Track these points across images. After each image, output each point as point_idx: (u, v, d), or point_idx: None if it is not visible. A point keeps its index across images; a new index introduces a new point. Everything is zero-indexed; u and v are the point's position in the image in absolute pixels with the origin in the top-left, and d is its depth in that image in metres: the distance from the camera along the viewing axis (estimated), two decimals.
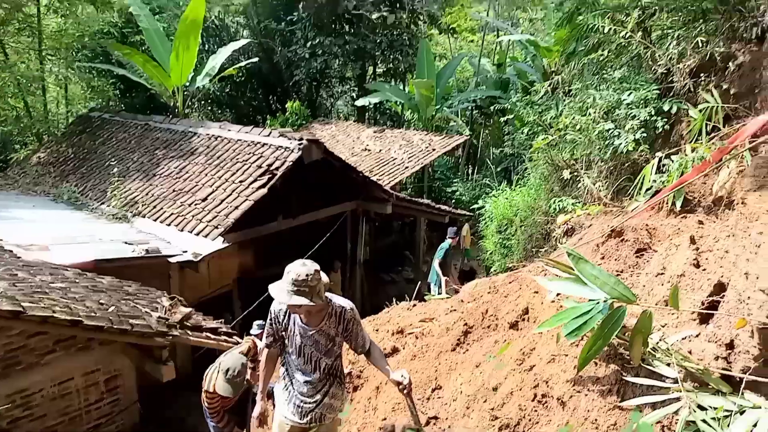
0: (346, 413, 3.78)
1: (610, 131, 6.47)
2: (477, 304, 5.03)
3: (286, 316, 3.39)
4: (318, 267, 3.16)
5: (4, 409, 5.62)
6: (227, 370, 4.31)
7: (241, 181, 9.49)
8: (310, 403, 3.42)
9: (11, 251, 7.21)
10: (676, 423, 2.59)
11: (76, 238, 8.51)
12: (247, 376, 4.80)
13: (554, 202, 7.81)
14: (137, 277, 7.61)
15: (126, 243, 8.30)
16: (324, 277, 3.29)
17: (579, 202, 7.42)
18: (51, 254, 7.43)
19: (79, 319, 5.33)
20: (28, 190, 11.95)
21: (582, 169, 7.48)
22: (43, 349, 5.82)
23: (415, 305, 6.29)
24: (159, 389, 7.15)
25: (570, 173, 7.66)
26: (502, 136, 17.26)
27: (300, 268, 3.09)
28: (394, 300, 6.71)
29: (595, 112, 6.80)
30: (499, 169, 17.62)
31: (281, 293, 3.11)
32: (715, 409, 2.50)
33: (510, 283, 5.13)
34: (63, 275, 6.68)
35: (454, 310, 5.42)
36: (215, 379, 4.46)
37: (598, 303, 2.87)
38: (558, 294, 4.10)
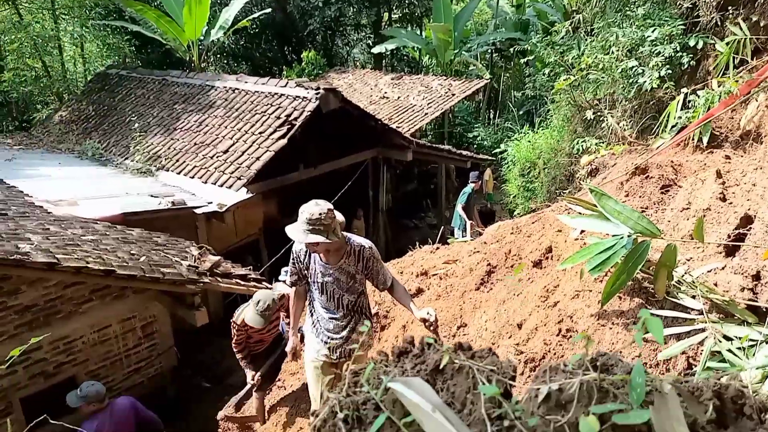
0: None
1: (633, 69, 6.31)
2: (500, 245, 5.07)
3: (307, 256, 3.49)
4: (331, 206, 3.23)
5: (49, 354, 5.92)
6: (258, 302, 4.44)
7: (260, 133, 9.52)
8: (337, 338, 3.54)
9: (42, 207, 7.40)
10: (700, 354, 2.64)
11: (104, 192, 8.68)
12: (280, 318, 4.94)
13: (578, 143, 7.72)
14: (165, 229, 7.79)
15: (152, 196, 8.46)
16: (339, 216, 3.36)
17: (603, 142, 7.33)
18: (80, 209, 7.61)
19: (112, 268, 5.51)
20: (52, 148, 12.13)
21: (605, 108, 7.35)
22: (80, 299, 6.05)
23: (438, 248, 6.36)
24: (193, 334, 7.43)
25: (593, 113, 7.54)
26: (523, 78, 16.92)
27: (313, 207, 3.17)
28: (417, 244, 6.78)
29: (618, 50, 6.62)
30: (521, 113, 17.34)
31: (297, 233, 3.20)
32: (740, 338, 2.53)
33: (533, 223, 5.15)
34: (93, 228, 6.86)
35: (477, 251, 5.48)
36: (245, 311, 4.60)
37: (621, 238, 2.88)
38: (581, 232, 4.11)
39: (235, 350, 4.86)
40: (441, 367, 0.94)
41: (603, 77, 7.10)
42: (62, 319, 5.95)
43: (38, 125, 14.01)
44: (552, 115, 10.41)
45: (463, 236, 9.21)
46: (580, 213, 3.50)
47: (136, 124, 10.94)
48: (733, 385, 0.92)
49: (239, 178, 8.82)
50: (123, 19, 16.60)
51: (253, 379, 4.88)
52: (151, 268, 5.88)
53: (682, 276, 2.99)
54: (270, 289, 5.63)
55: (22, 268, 5.08)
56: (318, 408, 3.12)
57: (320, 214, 3.13)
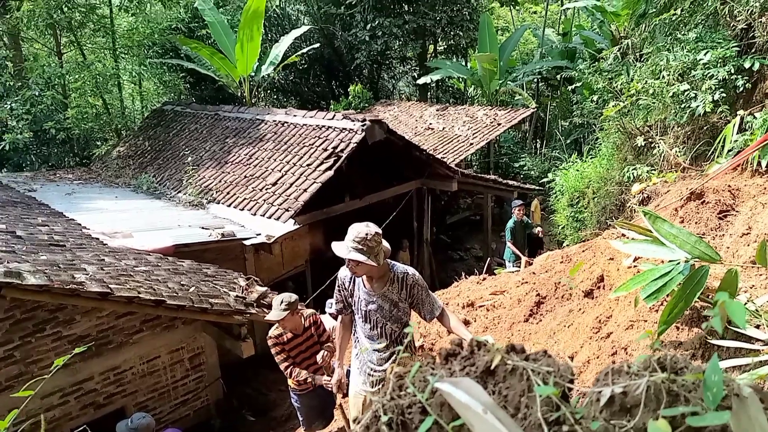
0: None
1: (685, 93, 6.13)
2: (550, 275, 4.93)
3: (352, 282, 3.48)
4: (380, 230, 3.23)
5: (100, 385, 6.04)
6: (281, 301, 4.46)
7: (308, 165, 9.67)
8: (380, 371, 3.47)
9: (98, 239, 7.67)
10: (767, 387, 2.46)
11: (157, 224, 8.95)
12: (317, 325, 4.87)
13: (628, 171, 7.52)
14: (214, 261, 7.94)
15: (203, 228, 8.66)
16: (385, 244, 3.34)
17: (654, 170, 7.12)
18: (134, 241, 7.85)
19: (163, 299, 5.62)
20: (110, 182, 12.66)
21: (657, 135, 7.15)
22: (131, 329, 6.19)
23: (485, 279, 6.24)
24: (240, 366, 7.47)
25: (644, 140, 7.34)
26: (570, 106, 16.71)
27: (362, 227, 3.21)
28: (463, 275, 6.68)
29: (668, 75, 6.46)
30: (568, 141, 17.08)
31: (342, 248, 3.24)
32: None
33: (583, 251, 5.00)
34: (146, 259, 7.05)
35: (526, 282, 5.35)
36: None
37: (678, 263, 2.73)
38: (635, 260, 3.95)
39: (281, 367, 4.76)
40: (492, 368, 0.88)
41: (653, 103, 6.93)
42: (113, 349, 6.09)
43: (97, 160, 14.67)
44: (601, 143, 10.21)
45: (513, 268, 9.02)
46: (633, 239, 3.37)
47: (189, 158, 11.30)
48: None
49: (287, 210, 8.95)
50: (179, 57, 17.35)
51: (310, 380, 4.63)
52: (199, 298, 5.97)
53: (745, 304, 2.81)
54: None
55: (77, 297, 5.24)
56: None
57: (366, 234, 3.16)
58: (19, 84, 14.55)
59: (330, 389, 4.38)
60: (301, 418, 5.05)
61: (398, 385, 0.89)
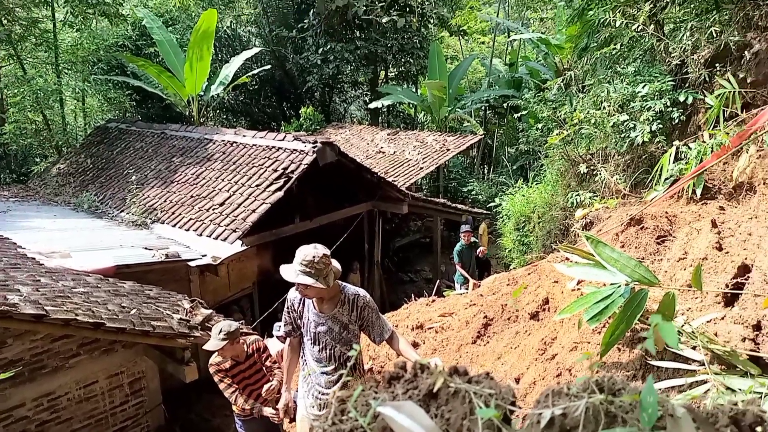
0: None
1: (625, 123, 6.43)
2: (496, 297, 5.01)
3: (301, 304, 3.45)
4: (328, 252, 3.22)
5: (32, 412, 5.71)
6: (219, 330, 4.36)
7: (257, 185, 9.56)
8: (327, 394, 3.42)
9: (34, 258, 7.32)
10: (704, 407, 2.56)
11: (97, 244, 8.62)
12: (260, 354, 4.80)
13: (572, 197, 7.76)
14: (158, 282, 7.70)
15: (146, 248, 8.39)
16: (335, 264, 3.33)
17: (597, 196, 7.37)
18: (73, 261, 7.54)
19: (102, 321, 5.39)
20: (49, 200, 12.15)
21: (599, 162, 7.44)
22: (67, 353, 5.90)
23: (434, 301, 6.29)
24: (183, 391, 7.22)
25: (586, 167, 7.62)
26: (517, 134, 17.22)
27: (310, 249, 3.19)
28: (413, 297, 6.71)
29: (609, 106, 6.77)
30: (515, 167, 17.57)
31: (290, 272, 3.21)
32: (744, 391, 2.46)
33: (529, 274, 5.11)
34: (85, 281, 6.77)
35: (474, 304, 5.42)
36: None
37: (619, 286, 2.83)
38: (578, 282, 4.07)
39: (225, 394, 4.63)
40: (435, 390, 0.88)
41: (595, 132, 7.22)
42: (48, 374, 5.78)
43: (36, 177, 14.07)
44: (546, 170, 10.50)
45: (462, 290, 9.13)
46: (576, 262, 3.47)
47: (134, 177, 10.99)
48: (751, 411, 0.87)
49: (234, 231, 8.79)
50: (125, 74, 16.96)
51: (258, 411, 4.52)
52: (141, 321, 5.76)
53: (682, 326, 2.93)
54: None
55: (8, 319, 4.97)
56: None
57: (314, 257, 3.13)
58: None
59: (275, 420, 4.30)
60: None
61: (340, 409, 0.88)
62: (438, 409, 0.86)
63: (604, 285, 3.04)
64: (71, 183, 12.60)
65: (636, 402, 0.84)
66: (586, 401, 0.83)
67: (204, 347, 4.49)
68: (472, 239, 10.02)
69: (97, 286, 6.65)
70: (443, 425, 0.85)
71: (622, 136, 6.54)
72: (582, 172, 7.79)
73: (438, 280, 10.49)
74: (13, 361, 5.48)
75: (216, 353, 4.55)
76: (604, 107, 6.84)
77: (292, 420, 4.03)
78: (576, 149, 7.97)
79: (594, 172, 7.58)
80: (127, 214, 10.42)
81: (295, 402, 3.84)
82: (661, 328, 2.31)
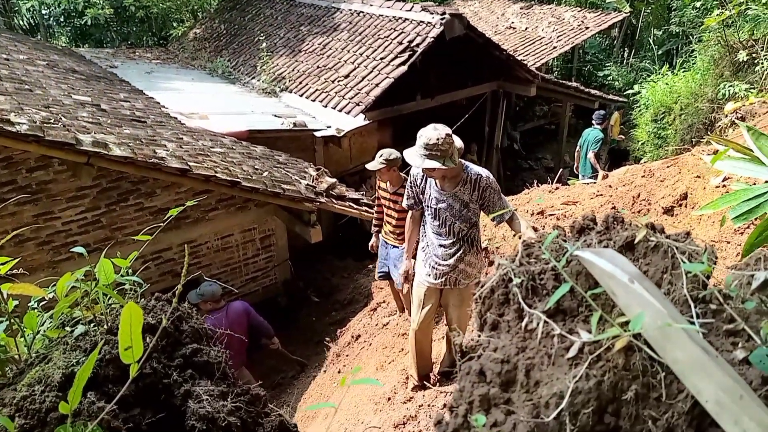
0: None
1: None
2: (628, 189, 4.74)
3: (423, 180, 3.46)
4: (449, 131, 3.15)
5: (177, 255, 6.45)
6: (381, 155, 4.61)
7: (381, 58, 9.41)
8: (443, 265, 3.51)
9: (176, 118, 7.88)
10: None
11: (231, 109, 9.08)
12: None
13: (723, 88, 6.97)
14: (285, 149, 8.06)
15: (275, 116, 8.73)
16: (457, 142, 3.27)
17: (754, 89, 6.57)
18: (210, 123, 8.03)
19: (238, 180, 5.80)
20: (186, 64, 12.80)
21: (762, 50, 6.52)
22: (207, 206, 6.48)
23: (557, 188, 6.08)
24: (306, 251, 7.77)
25: (747, 55, 6.73)
26: (667, 13, 15.36)
27: (431, 132, 3.11)
28: (535, 183, 6.53)
29: None
30: (660, 52, 15.87)
31: (414, 157, 3.18)
32: None
33: (668, 167, 4.74)
34: (221, 142, 7.22)
35: (601, 194, 5.17)
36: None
37: None
38: (724, 180, 3.73)
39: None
40: (636, 242, 0.84)
41: (764, 14, 6.25)
42: (191, 224, 6.42)
43: (174, 41, 14.79)
44: (696, 56, 9.43)
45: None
46: (729, 156, 3.14)
47: (264, 44, 11.20)
48: None
49: (358, 104, 8.85)
50: None
51: None
52: (272, 183, 6.13)
53: None
54: None
55: (158, 171, 5.48)
56: (416, 325, 3.09)
57: (438, 139, 3.08)
58: None
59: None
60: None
61: (527, 252, 0.86)
62: (635, 262, 0.82)
63: (755, 183, 2.75)
64: (206, 48, 13.13)
65: None
66: None
67: (366, 165, 4.82)
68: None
69: (232, 148, 7.09)
70: None
71: None
72: (740, 61, 6.93)
73: (560, 170, 10.07)
74: (161, 209, 6.11)
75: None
76: None
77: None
78: (736, 34, 7.03)
79: (755, 61, 6.70)
80: (258, 81, 10.77)
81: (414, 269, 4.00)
82: None
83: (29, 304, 1.54)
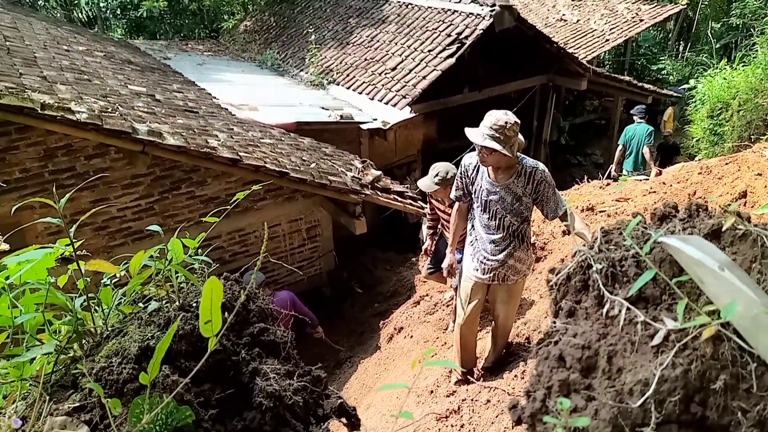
0: None
1: None
2: (683, 186, 4.60)
3: (475, 171, 3.40)
4: (519, 121, 3.10)
5: (226, 243, 6.59)
6: (436, 174, 4.48)
7: (429, 51, 9.37)
8: (492, 260, 3.43)
9: (226, 109, 8.03)
10: None
11: (280, 101, 9.21)
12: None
13: None
14: (331, 141, 8.12)
15: (323, 108, 8.80)
16: (520, 137, 3.21)
17: None
18: (259, 114, 8.16)
19: (287, 171, 5.88)
20: (237, 56, 13.03)
21: None
22: (255, 196, 6.59)
23: (608, 184, 5.95)
24: (351, 243, 7.83)
25: None
26: (727, 5, 14.76)
27: (501, 114, 3.09)
28: (586, 178, 6.40)
29: None
30: (718, 46, 15.29)
31: (477, 135, 3.14)
32: None
33: (726, 164, 4.58)
34: (270, 133, 7.33)
35: (654, 191, 5.03)
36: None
37: None
38: None
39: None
40: (724, 230, 0.81)
41: None
42: (239, 213, 6.54)
43: (225, 33, 15.07)
44: (758, 49, 9.05)
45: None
46: None
47: (312, 37, 11.30)
48: None
49: (404, 97, 8.84)
50: None
51: None
52: (320, 174, 6.19)
53: None
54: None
55: (210, 160, 5.60)
56: (462, 320, 3.05)
57: (506, 122, 3.06)
58: None
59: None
60: None
61: (606, 239, 0.85)
62: (722, 251, 0.80)
63: None
64: (256, 40, 13.33)
65: None
66: None
67: (418, 183, 4.71)
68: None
69: (281, 139, 7.19)
70: None
71: None
72: None
73: (610, 166, 9.81)
74: (211, 198, 6.26)
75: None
76: None
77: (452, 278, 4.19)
78: None
79: None
80: (306, 73, 10.88)
81: (459, 263, 3.96)
82: None
83: (102, 281, 1.60)
